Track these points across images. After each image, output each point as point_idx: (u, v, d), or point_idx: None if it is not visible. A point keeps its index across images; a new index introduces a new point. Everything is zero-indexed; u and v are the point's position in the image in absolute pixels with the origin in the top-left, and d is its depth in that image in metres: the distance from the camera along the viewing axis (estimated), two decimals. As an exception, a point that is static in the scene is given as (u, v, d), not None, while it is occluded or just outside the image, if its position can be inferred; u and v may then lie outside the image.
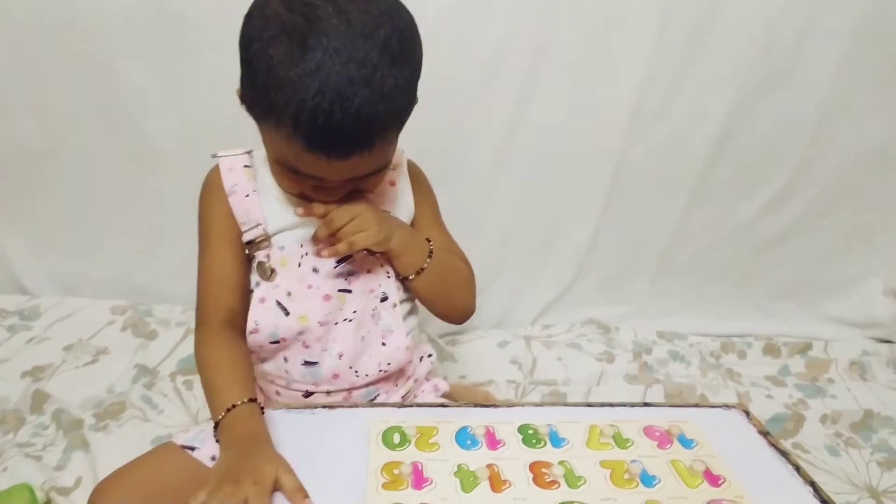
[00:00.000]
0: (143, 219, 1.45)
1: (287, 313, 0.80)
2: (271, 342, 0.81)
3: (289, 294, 0.80)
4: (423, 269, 0.83)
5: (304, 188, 0.75)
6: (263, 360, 0.84)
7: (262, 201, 0.81)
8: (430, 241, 0.85)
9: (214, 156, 0.84)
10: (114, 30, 1.25)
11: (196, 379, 1.20)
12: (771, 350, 1.46)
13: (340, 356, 0.82)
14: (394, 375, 0.88)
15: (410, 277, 0.83)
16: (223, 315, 0.80)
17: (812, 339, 1.50)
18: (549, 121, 1.36)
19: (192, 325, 1.37)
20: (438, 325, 1.45)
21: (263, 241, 0.81)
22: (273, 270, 0.81)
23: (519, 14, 1.28)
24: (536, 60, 1.31)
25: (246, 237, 0.81)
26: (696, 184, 1.44)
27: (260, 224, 0.81)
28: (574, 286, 1.54)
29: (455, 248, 0.92)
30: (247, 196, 0.81)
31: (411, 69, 0.69)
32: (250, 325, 0.79)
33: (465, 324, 1.49)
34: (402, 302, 0.86)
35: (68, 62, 1.28)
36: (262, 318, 0.79)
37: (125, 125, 1.34)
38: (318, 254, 0.80)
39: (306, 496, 0.62)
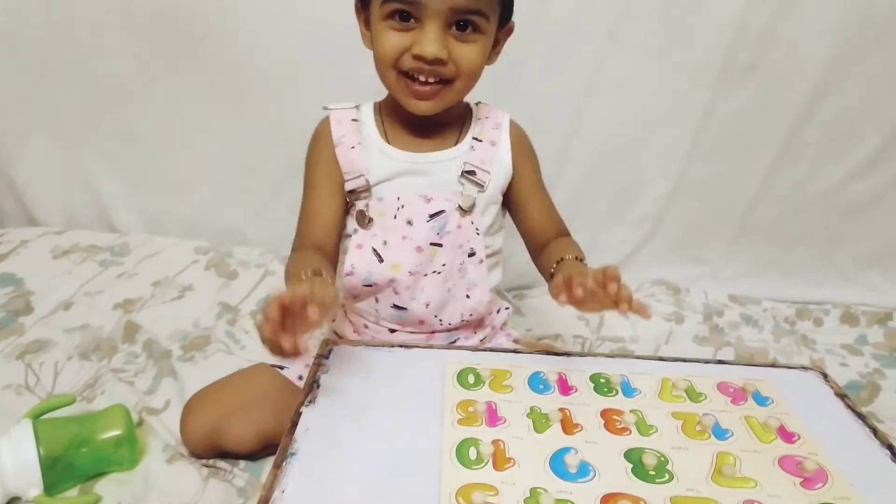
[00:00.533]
0: (227, 163, 1.50)
1: (381, 260, 0.85)
2: (364, 285, 0.86)
3: (384, 243, 0.85)
4: None
5: (403, 47, 0.76)
6: (356, 298, 0.89)
7: (365, 153, 0.85)
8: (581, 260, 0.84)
9: (325, 108, 0.89)
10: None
11: (275, 318, 1.25)
12: (849, 318, 1.42)
13: (427, 305, 0.86)
14: (474, 323, 0.91)
15: None
16: (312, 246, 0.84)
17: (893, 310, 1.44)
18: (632, 73, 1.34)
19: (270, 267, 1.44)
20: (507, 280, 1.46)
21: (364, 191, 0.85)
22: (371, 219, 0.85)
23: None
24: (620, 10, 1.28)
25: (348, 186, 0.86)
26: (784, 143, 1.40)
27: (362, 175, 0.85)
28: (647, 245, 1.52)
29: (556, 215, 0.94)
30: (352, 147, 0.85)
31: None
32: (346, 267, 0.85)
33: (532, 278, 1.52)
34: (488, 257, 0.89)
35: (165, 6, 1.33)
36: (358, 263, 0.85)
37: (215, 69, 1.38)
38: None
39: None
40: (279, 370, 0.90)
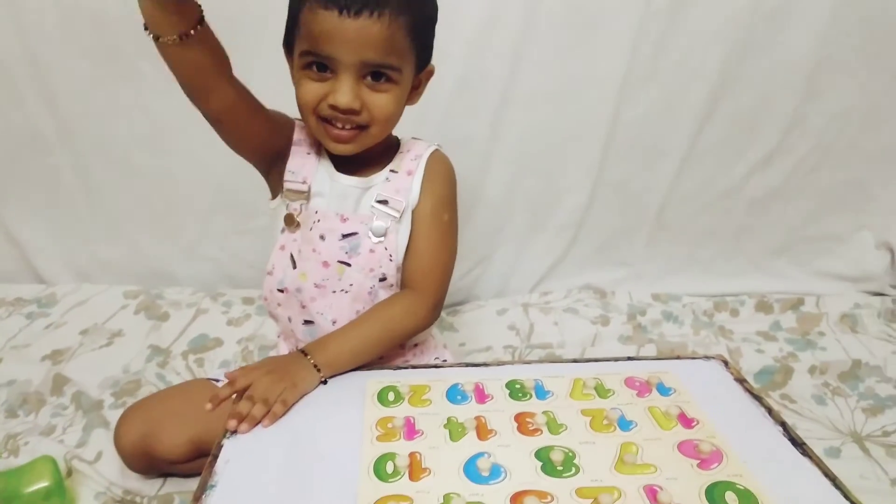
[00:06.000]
0: (153, 204, 1.50)
1: (294, 267, 0.89)
2: (278, 289, 0.90)
3: (299, 251, 0.88)
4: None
5: (320, 96, 0.79)
6: (276, 319, 0.94)
7: (315, 163, 0.89)
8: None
9: (297, 119, 0.91)
10: (121, 19, 1.29)
11: (207, 357, 1.26)
12: (763, 307, 1.50)
13: (334, 322, 0.89)
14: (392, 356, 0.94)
15: None
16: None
17: (805, 295, 1.53)
18: (541, 90, 1.40)
19: (202, 306, 1.44)
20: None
21: (302, 196, 0.89)
22: (298, 224, 0.89)
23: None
24: (525, 31, 1.34)
25: (288, 185, 0.89)
26: (688, 145, 1.47)
27: (306, 181, 0.88)
28: (571, 252, 1.58)
29: (426, 256, 0.90)
30: (307, 154, 0.90)
31: None
32: (269, 266, 0.90)
33: (466, 294, 1.56)
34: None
35: (78, 52, 1.34)
36: (278, 264, 0.90)
37: (136, 112, 1.39)
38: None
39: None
40: (214, 382, 0.95)
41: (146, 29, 0.70)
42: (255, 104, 0.84)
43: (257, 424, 0.70)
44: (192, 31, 0.70)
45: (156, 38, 0.71)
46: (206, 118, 0.81)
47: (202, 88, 0.77)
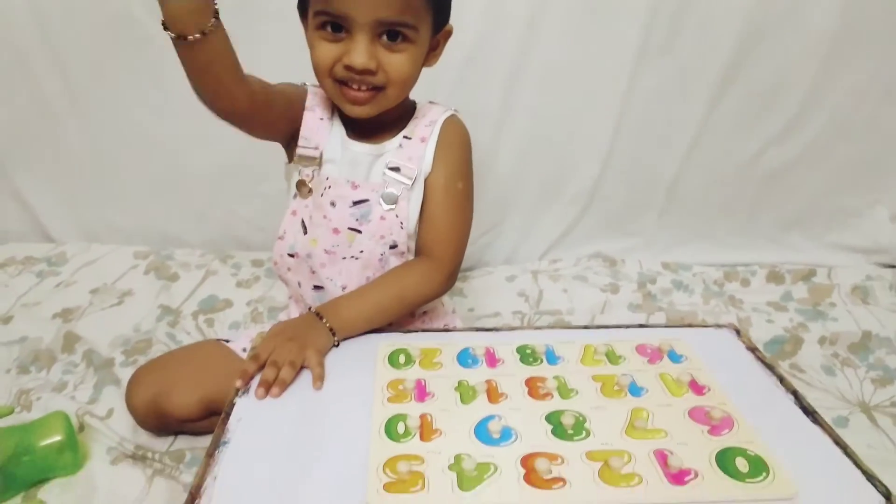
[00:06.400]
0: (163, 167, 1.49)
1: (305, 232, 0.89)
2: (289, 254, 0.90)
3: (310, 217, 0.88)
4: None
5: (335, 57, 0.78)
6: (286, 283, 0.95)
7: (328, 129, 0.89)
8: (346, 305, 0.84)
9: (306, 83, 0.90)
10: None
11: (216, 317, 1.26)
12: (774, 277, 1.49)
13: (343, 288, 0.89)
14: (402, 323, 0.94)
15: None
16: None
17: (817, 266, 1.52)
18: (554, 61, 1.37)
19: (211, 267, 1.45)
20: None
21: (314, 162, 0.88)
22: (311, 190, 0.88)
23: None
24: (539, 1, 1.31)
25: (300, 151, 0.88)
26: (703, 118, 1.45)
27: (318, 147, 0.88)
28: (582, 221, 1.57)
29: (440, 224, 0.90)
30: (320, 119, 0.89)
31: None
32: (280, 231, 0.90)
33: (475, 260, 1.55)
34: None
35: (88, 17, 1.32)
36: (289, 229, 0.90)
37: (146, 75, 1.37)
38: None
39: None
40: (224, 343, 0.96)
41: (166, 29, 0.69)
42: (268, 96, 0.83)
43: (287, 387, 0.71)
44: (209, 25, 0.69)
45: (181, 38, 0.69)
46: (225, 119, 0.81)
47: (220, 87, 0.76)
